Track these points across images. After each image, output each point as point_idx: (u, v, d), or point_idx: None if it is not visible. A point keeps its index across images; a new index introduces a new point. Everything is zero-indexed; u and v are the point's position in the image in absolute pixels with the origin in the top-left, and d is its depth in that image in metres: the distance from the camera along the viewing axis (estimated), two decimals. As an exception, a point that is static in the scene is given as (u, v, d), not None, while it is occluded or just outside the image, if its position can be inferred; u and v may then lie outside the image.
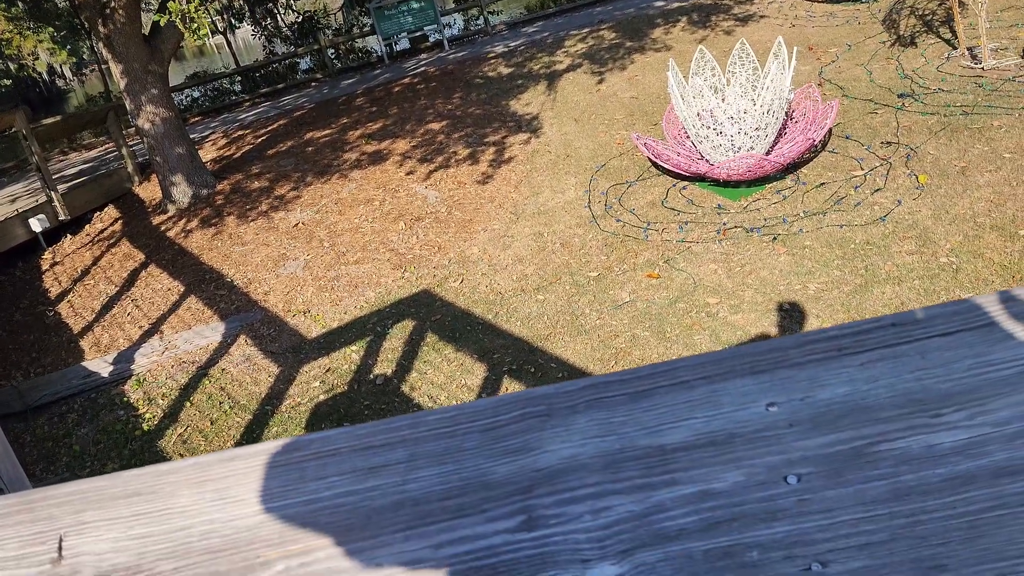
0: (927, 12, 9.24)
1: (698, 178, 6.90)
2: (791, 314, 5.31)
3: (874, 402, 0.63)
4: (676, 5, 12.64)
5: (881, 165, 6.49)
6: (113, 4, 8.22)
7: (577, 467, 0.63)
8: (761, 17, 10.84)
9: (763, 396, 0.64)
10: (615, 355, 5.23)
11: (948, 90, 7.31)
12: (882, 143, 6.80)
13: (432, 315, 6.05)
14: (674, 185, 7.01)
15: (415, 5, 14.64)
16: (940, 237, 5.47)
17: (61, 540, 0.67)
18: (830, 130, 7.07)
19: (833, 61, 8.77)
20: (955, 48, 8.01)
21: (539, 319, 5.72)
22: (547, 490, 0.62)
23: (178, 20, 5.29)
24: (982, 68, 7.46)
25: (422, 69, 12.95)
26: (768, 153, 6.68)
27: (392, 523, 0.62)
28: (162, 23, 6.15)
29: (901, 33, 8.84)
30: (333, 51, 16.71)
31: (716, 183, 6.78)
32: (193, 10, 5.22)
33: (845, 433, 0.61)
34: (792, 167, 6.75)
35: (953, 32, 8.26)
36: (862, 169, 6.54)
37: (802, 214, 6.19)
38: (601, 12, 14.14)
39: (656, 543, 0.58)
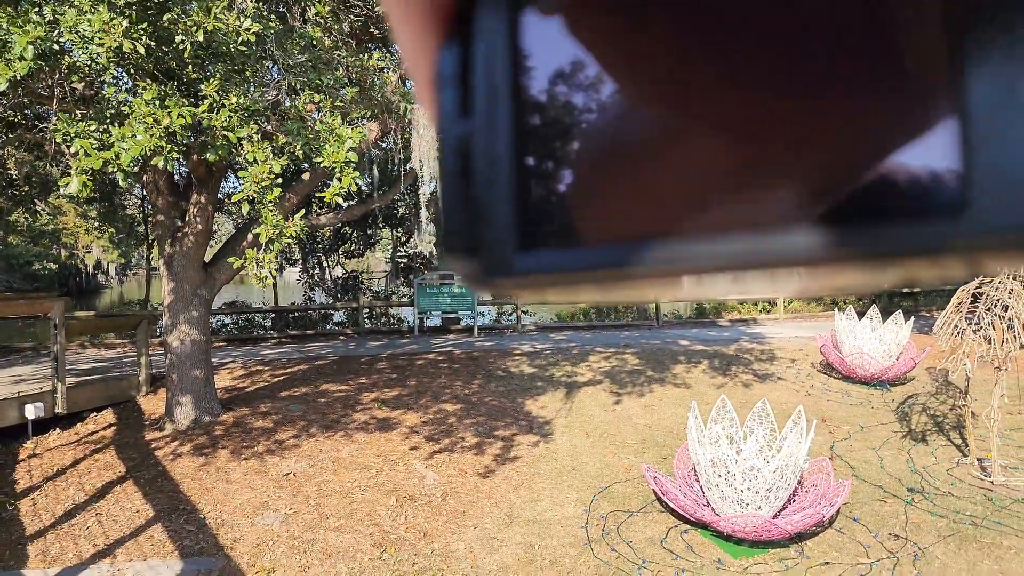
0: (939, 414, 9.52)
1: (701, 525, 6.73)
2: None
3: None
4: (700, 347, 13.22)
5: (888, 558, 6.31)
6: (186, 230, 8.79)
7: None
8: (779, 379, 11.24)
9: None
10: None
11: (958, 496, 7.31)
12: (890, 535, 6.67)
13: (401, 608, 5.64)
14: (676, 526, 6.82)
15: (456, 289, 15.48)
16: (948, 653, 5.15)
17: None
18: (839, 508, 6.99)
19: (845, 438, 8.91)
20: (965, 455, 8.13)
21: (513, 641, 5.30)
22: None
23: (251, 266, 5.63)
24: (991, 482, 7.51)
25: (448, 348, 13.36)
26: (776, 517, 6.56)
27: None
28: (235, 265, 6.52)
29: (912, 427, 9.06)
30: (368, 311, 17.43)
31: (719, 535, 6.59)
32: (267, 260, 5.59)
33: None
34: (797, 537, 6.58)
35: (963, 439, 8.45)
36: (868, 557, 6.35)
37: (804, 591, 5.92)
38: (628, 337, 14.81)
39: None
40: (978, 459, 7.96)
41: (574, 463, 8.23)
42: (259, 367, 12.12)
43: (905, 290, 18.68)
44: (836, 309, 12.06)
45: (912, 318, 11.40)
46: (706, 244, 0.19)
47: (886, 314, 11.56)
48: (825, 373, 11.61)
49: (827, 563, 6.26)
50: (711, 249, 0.19)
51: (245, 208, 5.48)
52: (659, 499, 7.19)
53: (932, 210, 0.17)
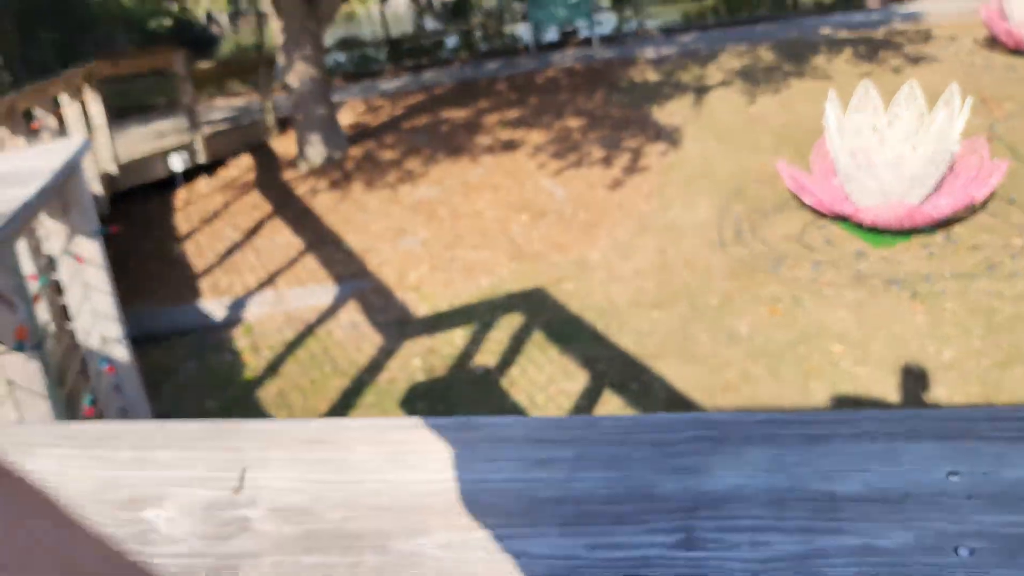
0: (1122, 79, 8.47)
1: (840, 218, 6.53)
2: (920, 378, 4.95)
3: None
4: (844, 35, 12.06)
5: (1047, 237, 5.97)
6: (284, -38, 8.46)
7: (743, 497, 0.64)
8: (934, 60, 10.20)
9: (945, 463, 0.64)
10: (724, 387, 5.00)
11: None
12: (1052, 213, 6.26)
13: (542, 313, 5.95)
14: (813, 221, 6.66)
15: (570, -1, 14.54)
16: (1106, 326, 4.98)
17: (244, 471, 0.73)
18: (994, 190, 6.55)
19: (1008, 118, 8.15)
20: None
21: (650, 336, 5.53)
22: (710, 514, 0.63)
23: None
24: None
25: (568, 63, 12.85)
26: (922, 204, 6.25)
27: (552, 516, 0.64)
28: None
29: (1089, 97, 8.15)
30: (481, 33, 16.83)
31: (859, 226, 6.40)
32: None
33: None
34: (945, 223, 6.29)
35: None
36: (1022, 238, 6.04)
37: (948, 274, 5.76)
38: (762, 31, 13.68)
39: None
40: None
41: (705, 168, 8.01)
42: (379, 101, 12.16)
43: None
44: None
45: (1098, -28, 9.82)
46: None
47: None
48: (989, 49, 10.42)
49: (975, 246, 6.01)
50: None
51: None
52: (795, 196, 6.97)
53: None
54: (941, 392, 4.81)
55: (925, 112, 6.61)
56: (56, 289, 3.38)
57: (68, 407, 2.97)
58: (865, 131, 6.48)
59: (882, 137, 6.55)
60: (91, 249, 3.32)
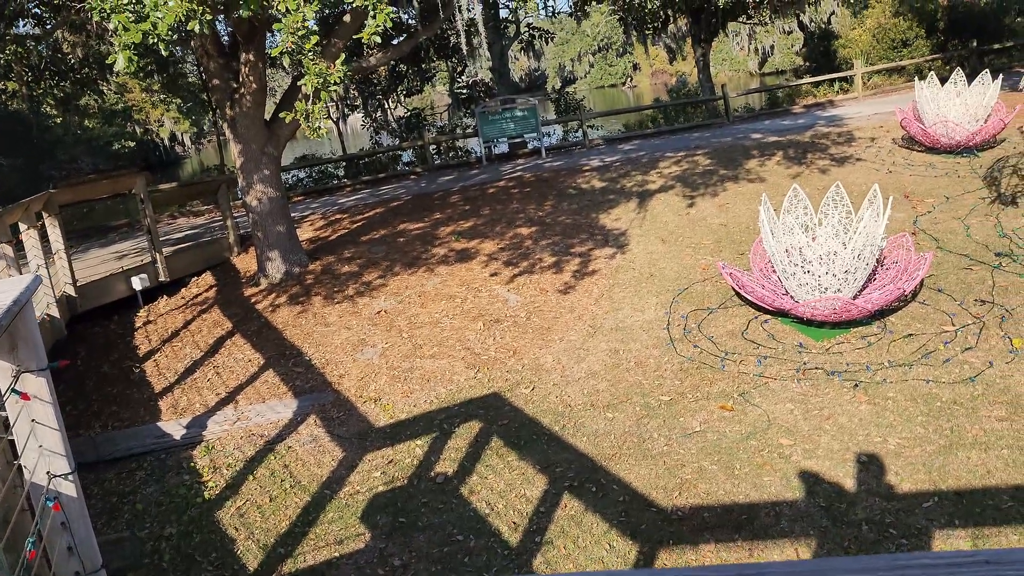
0: (1032, 172, 9.10)
1: (781, 313, 6.83)
2: (868, 467, 5.10)
3: None
4: (773, 139, 12.81)
5: (974, 323, 6.31)
6: (242, 91, 8.86)
7: None
8: (858, 160, 10.87)
9: None
10: (680, 485, 5.10)
11: (1050, 254, 7.12)
12: (976, 301, 6.63)
13: (499, 419, 6.06)
14: (756, 317, 6.95)
15: (519, 113, 15.25)
16: (1033, 407, 5.23)
17: None
18: (922, 281, 6.94)
19: (929, 211, 8.68)
20: (1060, 212, 7.84)
21: (606, 437, 5.66)
22: None
23: (301, 118, 5.71)
24: (1088, 235, 7.26)
25: (518, 174, 13.36)
26: (855, 297, 6.59)
27: None
28: (287, 120, 6.62)
29: (1002, 191, 8.73)
30: (435, 147, 17.45)
31: (799, 321, 6.70)
32: (317, 111, 5.64)
33: None
34: (880, 314, 6.62)
35: (1058, 195, 8.11)
36: (953, 325, 6.36)
37: (887, 364, 6.03)
38: (698, 138, 14.44)
39: None
40: (1072, 215, 7.67)
41: (652, 269, 8.35)
42: (337, 215, 12.48)
43: (997, 46, 17.33)
44: (917, 79, 11.37)
45: (1001, 76, 10.68)
46: None
47: (975, 76, 10.85)
48: (908, 148, 11.14)
49: (910, 335, 6.32)
50: None
51: (286, 61, 5.48)
52: (737, 294, 7.30)
53: None
54: (891, 479, 4.95)
55: (852, 210, 7.05)
56: (1, 425, 3.36)
57: (9, 549, 2.92)
58: (797, 230, 6.87)
59: (814, 235, 6.95)
60: (38, 386, 3.29)
